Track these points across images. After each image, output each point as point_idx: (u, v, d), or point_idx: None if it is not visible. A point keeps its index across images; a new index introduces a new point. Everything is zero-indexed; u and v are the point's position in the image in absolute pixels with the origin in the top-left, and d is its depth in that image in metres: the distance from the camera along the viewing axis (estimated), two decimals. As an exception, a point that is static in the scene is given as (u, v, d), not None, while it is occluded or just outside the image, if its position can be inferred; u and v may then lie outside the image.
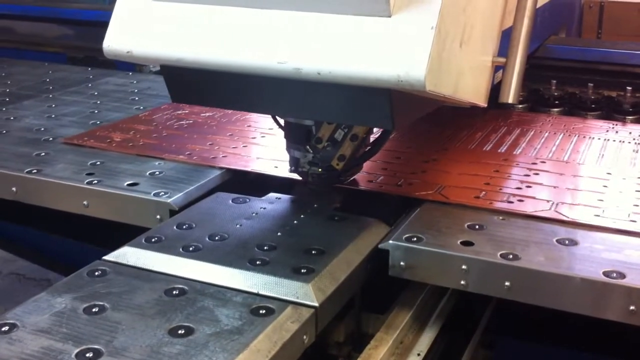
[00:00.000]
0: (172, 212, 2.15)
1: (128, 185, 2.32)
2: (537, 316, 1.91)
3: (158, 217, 2.18)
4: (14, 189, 2.43)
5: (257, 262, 1.80)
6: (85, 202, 2.31)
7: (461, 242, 1.86)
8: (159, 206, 2.19)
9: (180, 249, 1.87)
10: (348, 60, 1.61)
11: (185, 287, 1.69)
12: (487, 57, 1.97)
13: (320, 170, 2.19)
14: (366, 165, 2.36)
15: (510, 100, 1.93)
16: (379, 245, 1.89)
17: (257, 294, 1.67)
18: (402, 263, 1.85)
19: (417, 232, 1.92)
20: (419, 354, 1.86)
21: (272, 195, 2.26)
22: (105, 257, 1.85)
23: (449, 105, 2.15)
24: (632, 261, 1.76)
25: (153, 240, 1.92)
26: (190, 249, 1.87)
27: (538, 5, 2.04)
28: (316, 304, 1.65)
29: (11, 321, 1.54)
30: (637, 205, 2.11)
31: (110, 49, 1.89)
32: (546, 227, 1.98)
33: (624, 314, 1.65)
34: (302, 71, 1.65)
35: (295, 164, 2.24)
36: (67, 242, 2.84)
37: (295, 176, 2.33)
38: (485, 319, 2.12)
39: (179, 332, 1.50)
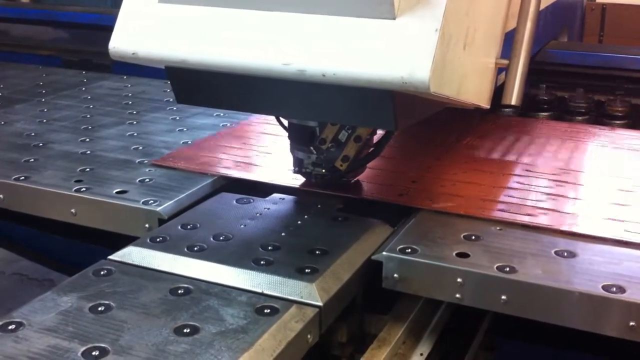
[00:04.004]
0: (161, 221, 2.10)
1: (117, 192, 2.27)
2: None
3: (147, 225, 2.13)
4: (1, 196, 2.40)
5: (262, 262, 1.81)
6: (73, 210, 2.26)
7: (457, 254, 1.83)
8: (147, 215, 2.14)
9: (185, 249, 1.88)
10: (352, 62, 1.62)
11: (190, 287, 1.70)
12: (490, 59, 1.98)
13: (323, 171, 2.21)
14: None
15: (513, 102, 1.94)
16: (372, 257, 1.87)
17: (262, 294, 1.68)
18: (395, 275, 1.82)
19: (412, 243, 1.88)
20: (421, 354, 1.87)
21: (276, 195, 2.27)
22: (111, 257, 1.86)
23: (449, 111, 2.16)
24: (632, 274, 1.72)
25: (158, 240, 1.93)
26: (195, 248, 1.88)
27: (540, 8, 2.05)
28: (320, 304, 1.66)
29: (17, 320, 1.56)
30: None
31: (116, 51, 1.90)
32: (544, 237, 1.94)
33: (623, 330, 1.62)
34: (306, 73, 1.66)
35: (299, 165, 2.25)
36: (70, 243, 2.85)
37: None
38: (487, 322, 2.12)
39: (185, 331, 1.52)
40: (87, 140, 2.86)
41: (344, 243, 1.92)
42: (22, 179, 2.41)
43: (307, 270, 1.77)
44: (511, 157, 2.62)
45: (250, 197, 2.23)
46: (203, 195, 2.30)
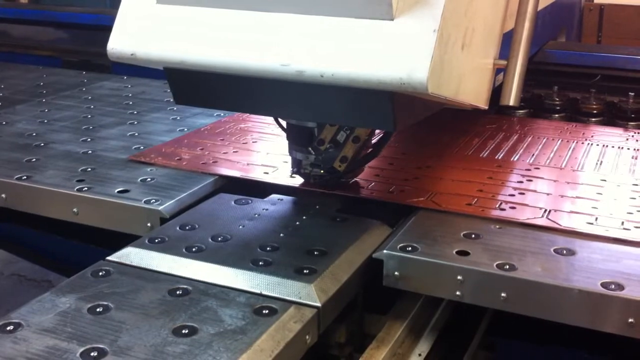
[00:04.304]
0: (163, 220, 2.12)
1: (119, 192, 2.28)
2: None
3: (149, 224, 2.14)
4: (3, 195, 2.41)
5: (260, 263, 1.81)
6: (75, 209, 2.27)
7: (457, 252, 1.84)
8: (149, 214, 2.15)
9: (184, 250, 1.88)
10: (351, 62, 1.62)
11: (189, 287, 1.70)
12: (489, 60, 1.98)
13: (322, 171, 2.21)
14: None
15: (511, 103, 1.94)
16: (373, 255, 1.88)
17: (260, 294, 1.68)
18: (396, 273, 1.83)
19: (412, 242, 1.89)
20: (419, 355, 1.87)
21: (274, 196, 2.28)
22: (109, 258, 1.86)
23: (447, 111, 2.16)
24: (630, 272, 1.74)
25: (156, 240, 1.93)
26: (194, 249, 1.89)
27: (539, 8, 2.05)
28: (319, 304, 1.66)
29: (16, 321, 1.56)
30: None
31: (114, 52, 1.91)
32: (543, 236, 1.95)
33: (622, 327, 1.63)
34: (305, 73, 1.66)
35: (297, 166, 2.25)
36: (69, 243, 2.84)
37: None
38: (486, 321, 2.13)
39: (183, 331, 1.52)
40: (89, 140, 2.87)
41: (343, 243, 1.92)
42: (24, 179, 2.42)
43: (305, 271, 1.77)
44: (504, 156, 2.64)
45: (248, 197, 2.23)
46: (204, 195, 2.31)
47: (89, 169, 2.51)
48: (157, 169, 2.50)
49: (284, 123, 2.26)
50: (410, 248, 1.87)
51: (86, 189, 2.31)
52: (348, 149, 2.16)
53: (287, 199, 2.26)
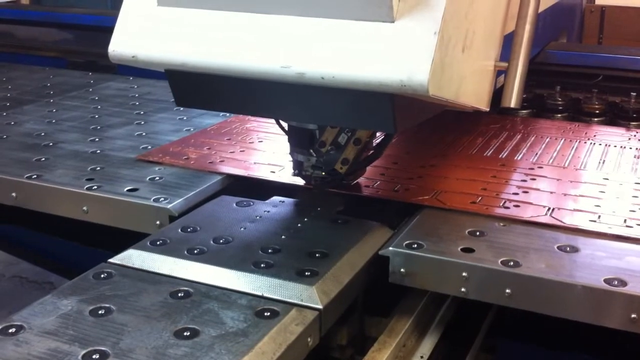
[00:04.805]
0: (172, 218, 2.14)
1: (128, 190, 2.31)
2: (539, 319, 1.91)
3: (157, 222, 2.17)
4: (13, 194, 2.43)
5: (262, 265, 1.81)
6: (84, 208, 2.30)
7: (462, 249, 1.86)
8: (158, 212, 2.18)
9: (185, 252, 1.88)
10: (351, 65, 1.62)
11: (190, 290, 1.71)
12: (489, 62, 1.98)
13: (323, 173, 2.21)
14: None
15: (512, 105, 1.94)
16: (379, 252, 1.89)
17: (262, 297, 1.68)
18: (402, 270, 1.85)
19: (418, 239, 1.91)
20: (421, 357, 1.87)
21: (276, 198, 2.28)
22: (111, 260, 1.86)
23: (450, 111, 2.16)
24: (633, 268, 1.75)
25: (158, 243, 1.94)
26: (195, 251, 1.89)
27: (540, 10, 2.05)
28: (320, 307, 1.66)
29: (18, 323, 1.56)
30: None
31: (115, 54, 1.91)
32: (547, 233, 1.97)
33: (625, 322, 1.65)
34: (305, 76, 1.66)
35: (298, 168, 2.26)
36: (70, 245, 2.85)
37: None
38: (487, 323, 2.13)
39: (185, 334, 1.52)
40: (96, 140, 2.89)
41: (344, 245, 1.92)
42: (34, 178, 2.44)
43: (307, 273, 1.77)
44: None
45: (250, 199, 2.23)
46: (212, 193, 2.33)
47: (98, 168, 2.53)
48: (165, 168, 2.52)
49: (285, 125, 2.27)
50: (416, 245, 1.88)
51: (96, 187, 2.33)
52: (349, 151, 2.16)
53: (288, 200, 2.26)
